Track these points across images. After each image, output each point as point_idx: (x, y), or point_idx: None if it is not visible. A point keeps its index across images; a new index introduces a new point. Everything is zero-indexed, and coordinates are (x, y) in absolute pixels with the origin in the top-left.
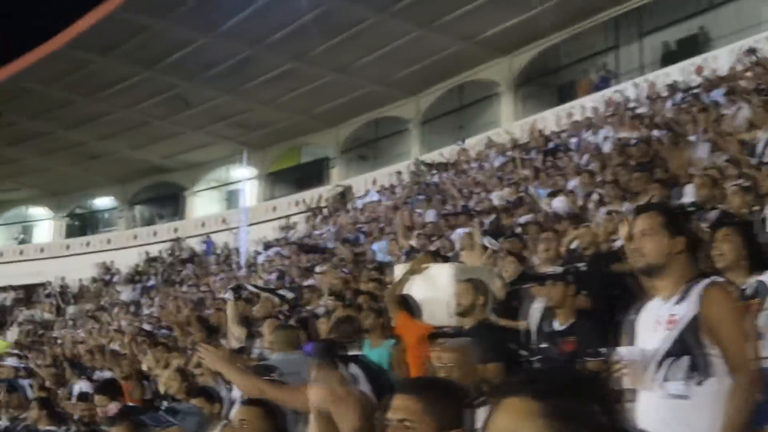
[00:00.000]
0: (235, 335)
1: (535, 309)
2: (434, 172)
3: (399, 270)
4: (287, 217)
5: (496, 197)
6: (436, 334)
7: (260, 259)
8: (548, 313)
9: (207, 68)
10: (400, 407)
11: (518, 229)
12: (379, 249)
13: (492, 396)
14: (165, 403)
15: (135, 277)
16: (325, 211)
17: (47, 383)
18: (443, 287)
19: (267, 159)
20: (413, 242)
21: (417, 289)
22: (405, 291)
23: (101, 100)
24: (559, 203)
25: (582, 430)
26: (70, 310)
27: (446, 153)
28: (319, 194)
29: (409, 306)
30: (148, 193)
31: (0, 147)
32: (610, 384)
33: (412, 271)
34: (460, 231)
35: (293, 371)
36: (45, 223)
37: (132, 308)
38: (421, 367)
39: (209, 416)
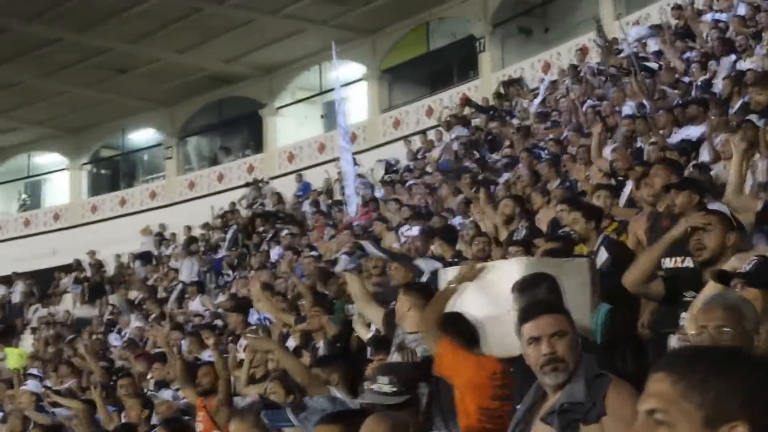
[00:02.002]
0: (368, 319)
1: None
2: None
3: (448, 275)
4: (417, 134)
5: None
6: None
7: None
8: None
9: None
10: (650, 392)
11: None
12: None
13: None
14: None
15: (194, 245)
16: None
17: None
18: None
19: (380, 49)
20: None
21: (471, 303)
22: (453, 307)
23: None
24: None
25: None
26: (110, 301)
27: (654, 13)
28: (464, 95)
29: (458, 330)
30: (206, 118)
31: None
32: None
33: (463, 278)
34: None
35: None
36: (59, 177)
37: (196, 290)
38: (481, 421)
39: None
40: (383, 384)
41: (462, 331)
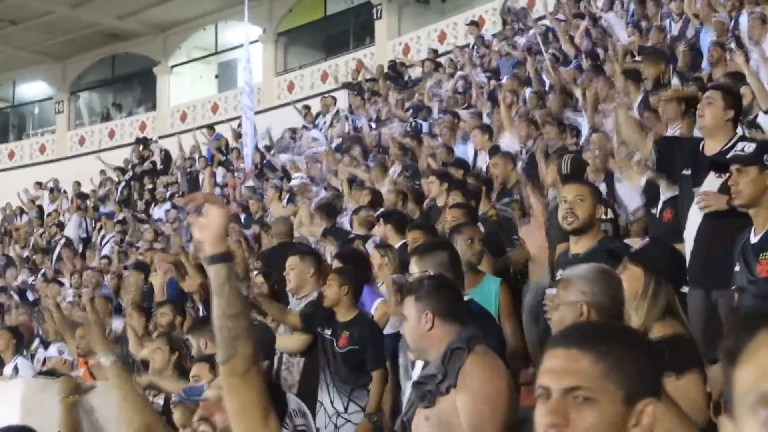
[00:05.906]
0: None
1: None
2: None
3: None
4: (313, 97)
5: None
6: None
7: (282, 157)
8: None
9: None
10: (566, 370)
11: None
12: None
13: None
14: None
15: (84, 202)
16: (376, 85)
17: None
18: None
19: (277, 12)
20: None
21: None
22: None
23: None
24: None
25: None
26: None
27: None
28: (359, 61)
29: None
30: (99, 74)
31: None
32: None
33: None
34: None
35: None
36: None
37: (81, 248)
38: None
39: None
40: None
41: None
